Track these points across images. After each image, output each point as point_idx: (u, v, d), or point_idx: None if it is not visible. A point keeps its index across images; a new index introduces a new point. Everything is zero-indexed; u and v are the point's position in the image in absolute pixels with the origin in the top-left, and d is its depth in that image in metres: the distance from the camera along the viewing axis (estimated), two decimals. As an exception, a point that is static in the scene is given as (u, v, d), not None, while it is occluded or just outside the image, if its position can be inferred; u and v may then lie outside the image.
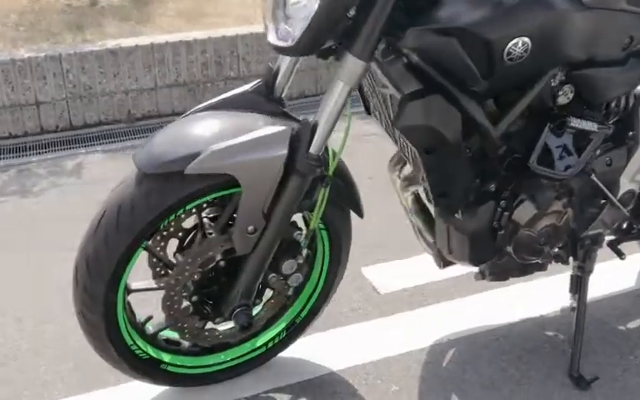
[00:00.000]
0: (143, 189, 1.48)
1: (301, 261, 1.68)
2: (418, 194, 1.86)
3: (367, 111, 1.82)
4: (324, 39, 1.42)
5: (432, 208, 1.74)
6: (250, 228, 1.52)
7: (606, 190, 1.72)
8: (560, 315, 2.14)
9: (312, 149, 1.47)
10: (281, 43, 1.42)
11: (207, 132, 1.49)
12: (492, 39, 1.39)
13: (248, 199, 1.49)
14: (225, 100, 1.61)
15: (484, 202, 1.63)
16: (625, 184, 1.77)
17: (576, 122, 1.58)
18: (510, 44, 1.40)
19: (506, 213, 1.65)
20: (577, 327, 1.88)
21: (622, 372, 1.93)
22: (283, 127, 1.49)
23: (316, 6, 1.35)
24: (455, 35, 1.39)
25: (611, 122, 1.68)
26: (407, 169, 1.86)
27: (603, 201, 1.76)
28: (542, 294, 2.20)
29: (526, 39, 1.41)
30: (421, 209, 1.86)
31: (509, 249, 1.70)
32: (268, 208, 1.51)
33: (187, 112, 1.61)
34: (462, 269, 1.93)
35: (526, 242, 1.70)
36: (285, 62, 1.63)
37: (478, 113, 1.48)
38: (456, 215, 1.63)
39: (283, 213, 1.52)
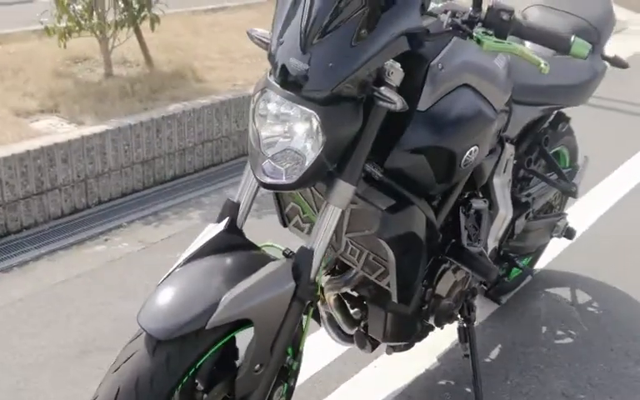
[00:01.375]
0: (161, 357, 1.36)
1: (292, 383, 1.67)
2: (339, 295, 2.01)
3: (284, 224, 1.97)
4: (323, 174, 1.48)
5: (350, 306, 1.99)
6: (257, 366, 1.48)
7: (485, 251, 2.04)
8: (455, 364, 2.43)
9: (312, 275, 1.50)
10: (272, 180, 1.47)
11: (213, 282, 1.45)
12: (456, 151, 1.67)
13: (260, 338, 1.46)
14: (205, 247, 1.56)
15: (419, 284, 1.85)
16: (491, 244, 2.11)
17: (476, 204, 1.96)
18: (467, 153, 1.70)
19: (429, 290, 1.93)
20: (474, 371, 2.16)
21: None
22: (284, 261, 1.51)
23: (309, 147, 1.43)
24: (426, 152, 1.63)
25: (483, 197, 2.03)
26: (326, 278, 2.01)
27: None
28: (433, 348, 2.48)
29: (477, 147, 1.73)
30: (340, 306, 2.01)
31: (431, 320, 1.99)
32: (272, 342, 1.49)
33: (173, 266, 1.54)
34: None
35: (445, 310, 2.01)
36: (246, 195, 1.66)
37: (429, 212, 1.76)
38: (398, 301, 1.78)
39: (284, 343, 1.51)
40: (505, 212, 2.09)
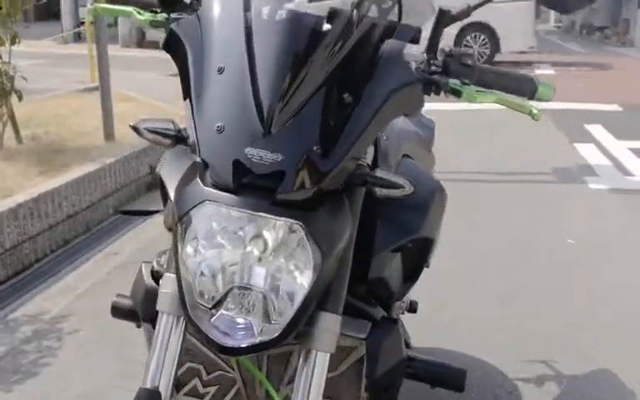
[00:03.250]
0: None
1: None
2: None
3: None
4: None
5: None
6: None
7: None
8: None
9: None
10: (238, 342, 1.03)
11: None
12: (433, 238, 1.39)
13: None
14: None
15: None
16: None
17: None
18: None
19: None
20: None
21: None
22: None
23: (298, 276, 1.04)
24: (403, 248, 1.33)
25: None
26: None
27: None
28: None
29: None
30: None
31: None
32: None
33: None
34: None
35: None
36: (167, 373, 1.18)
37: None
38: None
39: None
40: None
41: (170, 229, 1.30)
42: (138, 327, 1.46)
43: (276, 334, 1.03)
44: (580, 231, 4.19)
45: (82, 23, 14.03)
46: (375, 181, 1.08)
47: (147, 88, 8.10)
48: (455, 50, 1.20)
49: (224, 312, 1.04)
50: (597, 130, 7.14)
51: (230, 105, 1.05)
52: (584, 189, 5.14)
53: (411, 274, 1.39)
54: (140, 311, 1.28)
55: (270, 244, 1.02)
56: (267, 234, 1.02)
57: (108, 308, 1.43)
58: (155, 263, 1.29)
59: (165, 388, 1.11)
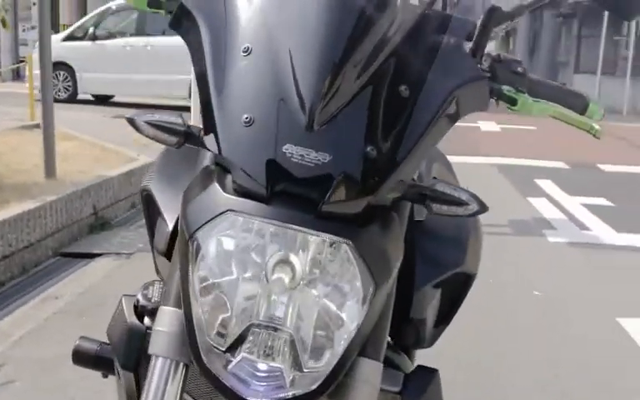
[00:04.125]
0: None
1: None
2: None
3: None
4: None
5: None
6: None
7: None
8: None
9: None
10: (270, 395, 0.82)
11: None
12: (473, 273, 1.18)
13: None
14: None
15: None
16: None
17: None
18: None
19: None
20: None
21: None
22: None
23: (347, 310, 0.82)
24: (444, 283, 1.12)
25: None
26: None
27: None
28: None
29: None
30: None
31: None
32: None
33: None
34: None
35: None
36: None
37: None
38: None
39: None
40: None
41: (165, 254, 1.06)
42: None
43: (313, 386, 0.80)
44: (544, 283, 4.10)
45: (22, 61, 13.59)
46: (436, 195, 0.87)
47: (91, 129, 7.79)
48: (504, 55, 1.03)
49: (245, 355, 0.81)
50: (547, 185, 7.20)
51: (260, 93, 0.83)
52: (544, 242, 5.09)
53: (445, 316, 1.18)
54: (120, 355, 1.02)
55: (307, 268, 0.80)
56: (305, 254, 0.80)
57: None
58: (140, 297, 1.04)
59: None
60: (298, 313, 0.81)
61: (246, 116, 0.82)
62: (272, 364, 0.81)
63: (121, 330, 1.04)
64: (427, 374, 1.04)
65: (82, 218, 4.68)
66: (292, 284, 0.80)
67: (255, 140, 0.81)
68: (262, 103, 0.83)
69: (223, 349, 0.81)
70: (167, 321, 0.90)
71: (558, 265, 4.59)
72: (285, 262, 0.80)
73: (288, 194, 0.80)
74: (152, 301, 1.00)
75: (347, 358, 0.82)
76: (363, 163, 0.81)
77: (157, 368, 0.89)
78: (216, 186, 0.83)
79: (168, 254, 1.06)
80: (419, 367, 1.07)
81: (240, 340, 0.81)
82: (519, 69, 1.02)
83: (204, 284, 0.82)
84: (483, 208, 0.87)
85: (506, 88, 1.01)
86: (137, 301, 1.03)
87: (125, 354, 1.02)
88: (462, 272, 1.13)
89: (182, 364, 0.89)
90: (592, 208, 6.24)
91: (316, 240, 0.80)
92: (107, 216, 5.12)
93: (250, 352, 0.81)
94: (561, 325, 3.50)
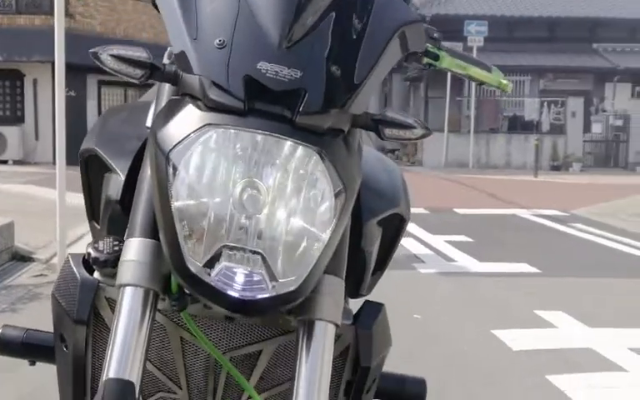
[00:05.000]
0: None
1: None
2: None
3: None
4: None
5: None
6: None
7: None
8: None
9: None
10: (252, 294, 0.82)
11: None
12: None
13: None
14: None
15: None
16: None
17: None
18: None
19: None
20: None
21: None
22: None
23: (320, 214, 0.85)
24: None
25: None
26: None
27: None
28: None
29: None
30: None
31: None
32: None
33: None
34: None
35: None
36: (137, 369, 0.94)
37: None
38: None
39: None
40: None
41: (119, 202, 1.05)
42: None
43: (292, 287, 0.82)
44: (422, 307, 4.28)
45: None
46: (387, 120, 0.91)
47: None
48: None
49: (226, 263, 0.81)
50: (411, 227, 7.53)
51: (231, 17, 0.86)
52: (416, 274, 5.32)
53: (382, 262, 1.21)
54: (73, 311, 0.96)
55: (279, 182, 0.82)
56: (280, 165, 0.82)
57: None
58: (91, 250, 0.99)
59: (136, 378, 0.84)
60: (271, 230, 0.82)
61: (218, 39, 0.84)
62: (252, 270, 0.81)
63: (72, 285, 0.99)
64: (375, 306, 1.09)
65: None
66: (263, 200, 0.81)
67: (229, 60, 0.83)
68: (232, 27, 0.85)
69: (201, 264, 0.81)
70: (134, 250, 0.88)
71: (432, 292, 4.80)
72: (258, 178, 0.81)
73: (263, 112, 0.82)
74: (105, 252, 0.97)
75: (322, 262, 0.84)
76: (330, 80, 0.86)
77: (128, 297, 0.86)
78: (190, 106, 0.83)
79: (122, 203, 1.05)
80: (366, 302, 1.11)
81: (216, 257, 0.81)
82: (436, 35, 1.12)
83: (180, 203, 0.81)
84: (428, 132, 0.93)
85: (429, 46, 1.10)
86: (88, 254, 0.99)
87: (79, 308, 0.97)
88: (399, 214, 1.19)
89: (152, 292, 0.87)
90: (455, 244, 6.64)
91: (291, 147, 0.82)
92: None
93: (229, 261, 0.81)
94: (442, 341, 3.68)
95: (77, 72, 12.88)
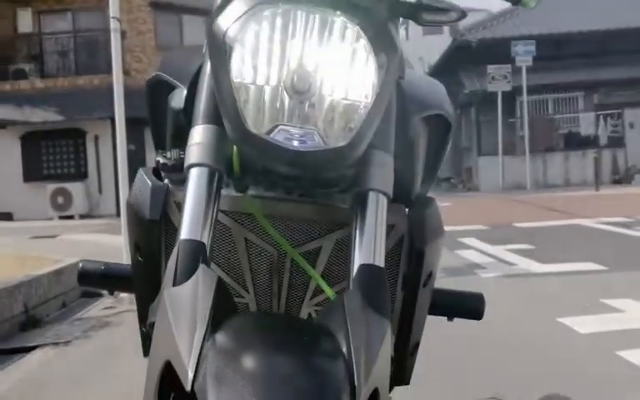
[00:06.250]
0: None
1: None
2: None
3: None
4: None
5: None
6: None
7: None
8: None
9: None
10: (307, 146, 0.88)
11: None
12: None
13: None
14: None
15: None
16: None
17: None
18: None
19: None
20: None
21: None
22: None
23: (365, 76, 0.91)
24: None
25: None
26: None
27: None
28: None
29: None
30: None
31: None
32: None
33: None
34: None
35: None
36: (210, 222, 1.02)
37: None
38: None
39: None
40: None
41: (183, 110, 1.13)
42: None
43: (344, 142, 0.88)
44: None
45: None
46: (422, 4, 0.97)
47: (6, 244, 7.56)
48: None
49: (282, 126, 0.88)
50: (471, 241, 7.49)
51: None
52: (477, 278, 5.28)
53: (430, 169, 1.26)
54: (148, 211, 1.06)
55: (331, 51, 0.89)
56: (328, 38, 0.89)
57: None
58: (160, 158, 1.08)
59: (207, 240, 0.91)
60: (320, 103, 0.88)
61: None
62: (307, 127, 0.88)
63: (144, 191, 1.08)
64: (427, 200, 1.14)
65: (13, 316, 4.50)
66: (314, 76, 0.88)
67: None
68: None
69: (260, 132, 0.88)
70: (199, 135, 0.96)
71: (494, 291, 4.76)
72: (309, 53, 0.88)
73: None
74: (172, 159, 1.06)
75: (367, 131, 0.90)
76: None
77: (195, 177, 0.94)
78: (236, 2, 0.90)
79: (185, 113, 1.12)
80: (417, 195, 1.16)
81: (273, 129, 0.88)
82: None
83: (237, 79, 0.88)
84: (464, 14, 0.99)
85: None
86: (157, 162, 1.09)
87: (151, 209, 1.06)
88: (443, 117, 1.23)
89: (217, 173, 0.94)
90: (516, 251, 6.55)
91: (336, 23, 0.89)
92: (39, 314, 4.94)
93: (286, 125, 0.88)
94: (506, 328, 3.64)
95: (136, 125, 13.35)
